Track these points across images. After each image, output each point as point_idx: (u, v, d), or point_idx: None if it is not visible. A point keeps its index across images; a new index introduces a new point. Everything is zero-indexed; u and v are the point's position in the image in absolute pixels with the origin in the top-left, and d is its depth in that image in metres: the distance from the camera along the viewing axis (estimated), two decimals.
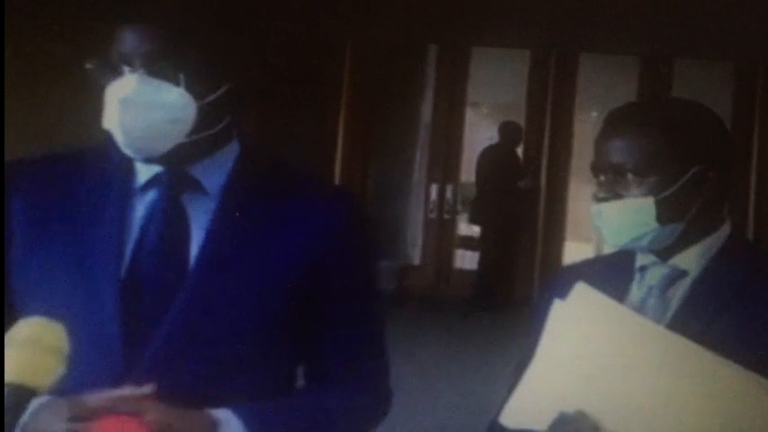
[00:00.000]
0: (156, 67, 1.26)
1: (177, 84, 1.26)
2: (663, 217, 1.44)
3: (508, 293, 8.07)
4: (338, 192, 1.50)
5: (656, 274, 1.49)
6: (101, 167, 1.37)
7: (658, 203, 1.44)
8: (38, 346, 1.08)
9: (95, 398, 1.23)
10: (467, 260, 9.04)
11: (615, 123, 1.50)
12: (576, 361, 1.38)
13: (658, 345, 1.35)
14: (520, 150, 8.47)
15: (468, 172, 8.83)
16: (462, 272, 8.80)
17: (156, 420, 1.22)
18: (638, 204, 1.44)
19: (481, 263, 8.32)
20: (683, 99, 1.63)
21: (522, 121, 8.58)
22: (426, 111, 9.08)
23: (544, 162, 8.56)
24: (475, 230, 8.80)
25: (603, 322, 1.39)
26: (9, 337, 1.09)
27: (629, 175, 1.45)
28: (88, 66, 1.30)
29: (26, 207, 1.36)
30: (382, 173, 8.92)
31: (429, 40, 8.71)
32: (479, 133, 9.64)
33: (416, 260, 8.92)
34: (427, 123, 9.05)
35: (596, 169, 1.50)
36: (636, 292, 1.50)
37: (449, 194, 8.62)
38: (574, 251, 8.33)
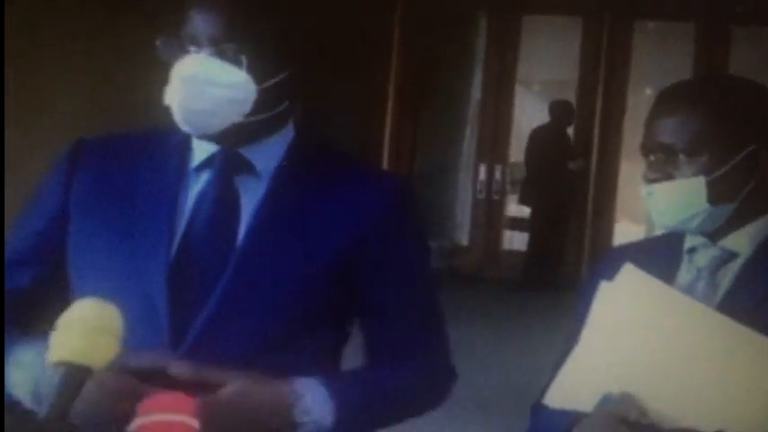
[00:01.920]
0: (221, 49, 1.32)
1: (240, 66, 1.32)
2: (714, 197, 1.43)
3: (557, 274, 8.00)
4: (386, 175, 1.54)
5: (705, 256, 1.47)
6: (160, 148, 1.42)
7: (709, 184, 1.42)
8: (93, 326, 1.11)
9: (149, 361, 1.26)
10: (515, 241, 9.01)
11: (666, 102, 1.48)
12: (623, 342, 1.37)
13: (707, 326, 1.34)
14: (571, 130, 8.36)
15: (517, 152, 8.76)
16: (511, 252, 8.77)
17: (233, 390, 1.25)
18: (689, 185, 1.43)
19: (531, 243, 8.27)
20: (736, 77, 1.61)
21: (573, 99, 8.47)
22: (476, 88, 9.01)
23: (595, 141, 8.47)
24: (523, 211, 8.76)
25: (651, 304, 1.38)
26: (65, 317, 1.13)
27: (680, 155, 1.43)
28: (157, 43, 1.35)
29: (87, 184, 1.41)
30: (431, 153, 8.90)
31: (479, 8, 8.63)
32: (530, 112, 9.56)
33: (465, 241, 8.90)
34: (477, 101, 8.99)
35: (647, 149, 1.48)
36: (684, 274, 1.49)
37: (498, 175, 8.57)
38: (625, 232, 8.24)
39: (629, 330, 1.37)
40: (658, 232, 1.59)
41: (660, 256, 1.51)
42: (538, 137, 8.32)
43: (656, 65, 8.73)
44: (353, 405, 1.34)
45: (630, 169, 8.58)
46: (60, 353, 1.10)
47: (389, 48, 8.44)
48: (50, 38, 5.75)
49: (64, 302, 1.20)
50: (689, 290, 1.45)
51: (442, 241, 8.30)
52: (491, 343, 5.89)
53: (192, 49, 1.34)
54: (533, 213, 8.31)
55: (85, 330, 1.11)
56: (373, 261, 1.39)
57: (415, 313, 1.44)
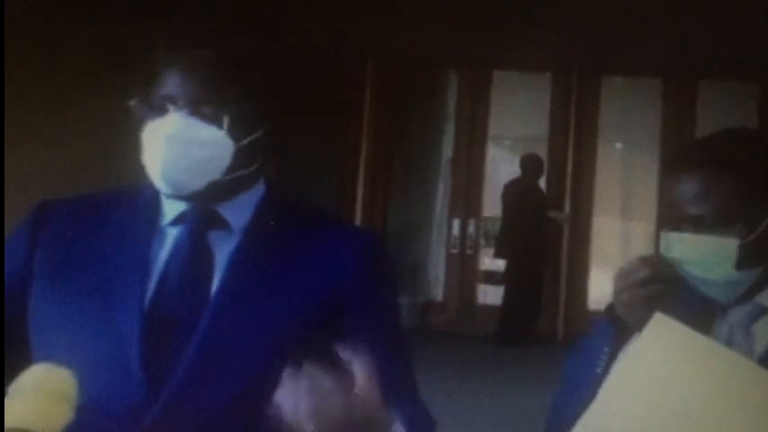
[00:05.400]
0: (200, 109, 1.34)
1: (218, 125, 1.35)
2: (741, 263, 1.37)
3: (533, 328, 7.95)
4: (357, 231, 1.56)
5: (737, 312, 1.42)
6: (127, 207, 1.42)
7: (741, 248, 1.36)
8: (45, 392, 1.08)
9: None
10: (489, 295, 8.97)
11: (686, 168, 1.39)
12: (654, 396, 1.27)
13: (752, 380, 1.25)
14: (543, 182, 8.39)
15: (490, 206, 8.78)
16: (485, 307, 8.71)
17: None
18: (721, 245, 1.36)
19: (506, 297, 8.24)
20: (746, 130, 1.50)
21: (544, 154, 8.52)
22: (448, 144, 9.04)
23: (567, 195, 8.49)
24: (497, 264, 8.73)
25: (689, 355, 1.28)
26: (17, 383, 1.09)
27: (711, 226, 1.36)
28: (131, 103, 1.37)
29: (51, 247, 1.40)
30: (403, 209, 8.88)
31: (450, 64, 8.70)
32: (502, 167, 9.60)
33: (439, 296, 8.84)
34: (449, 158, 9.02)
35: (671, 222, 1.40)
36: (719, 329, 1.43)
37: (471, 229, 8.55)
38: (599, 284, 8.22)
39: (663, 383, 1.27)
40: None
41: (693, 309, 1.41)
42: (510, 191, 8.33)
43: (625, 119, 8.81)
44: None
45: (602, 222, 8.61)
46: (11, 422, 1.05)
47: (361, 106, 8.46)
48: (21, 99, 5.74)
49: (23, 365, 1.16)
50: (726, 344, 1.38)
51: (415, 297, 8.24)
52: (468, 399, 5.83)
53: (171, 108, 1.35)
54: (509, 266, 8.29)
55: (37, 397, 1.07)
56: (347, 317, 1.38)
57: (389, 366, 1.37)
